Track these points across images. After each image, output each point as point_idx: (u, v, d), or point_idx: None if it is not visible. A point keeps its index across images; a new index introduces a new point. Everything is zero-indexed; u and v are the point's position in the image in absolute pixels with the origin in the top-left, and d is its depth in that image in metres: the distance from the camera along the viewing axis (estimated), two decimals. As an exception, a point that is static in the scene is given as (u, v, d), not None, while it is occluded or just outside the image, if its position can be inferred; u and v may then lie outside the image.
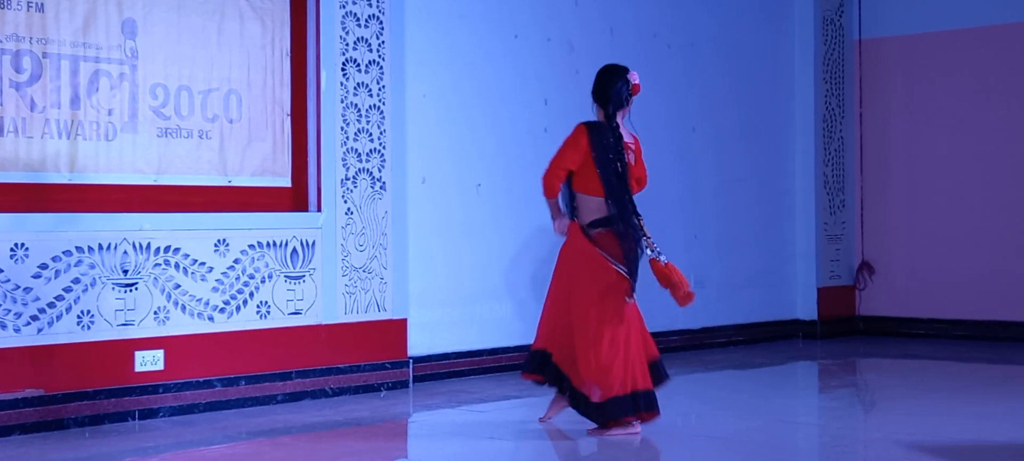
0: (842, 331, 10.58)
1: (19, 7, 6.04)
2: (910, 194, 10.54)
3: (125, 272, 6.33)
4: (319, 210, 7.15)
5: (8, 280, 5.94)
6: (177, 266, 6.52)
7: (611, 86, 6.03)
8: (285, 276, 6.96)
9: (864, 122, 10.79)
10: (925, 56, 10.45)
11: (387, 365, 7.44)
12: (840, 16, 10.66)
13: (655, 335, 9.24)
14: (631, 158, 6.03)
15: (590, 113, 6.06)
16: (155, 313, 6.44)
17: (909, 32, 10.53)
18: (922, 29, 10.46)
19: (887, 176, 10.68)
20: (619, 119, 6.04)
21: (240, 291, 6.78)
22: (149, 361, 6.42)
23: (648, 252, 5.93)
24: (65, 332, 6.13)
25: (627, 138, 6.05)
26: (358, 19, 7.33)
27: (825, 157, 10.53)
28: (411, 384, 7.54)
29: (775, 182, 10.37)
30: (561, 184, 6.02)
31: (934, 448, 5.42)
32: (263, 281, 6.88)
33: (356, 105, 7.32)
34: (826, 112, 10.55)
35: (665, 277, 5.91)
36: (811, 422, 6.73)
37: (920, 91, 10.49)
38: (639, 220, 5.96)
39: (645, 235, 5.92)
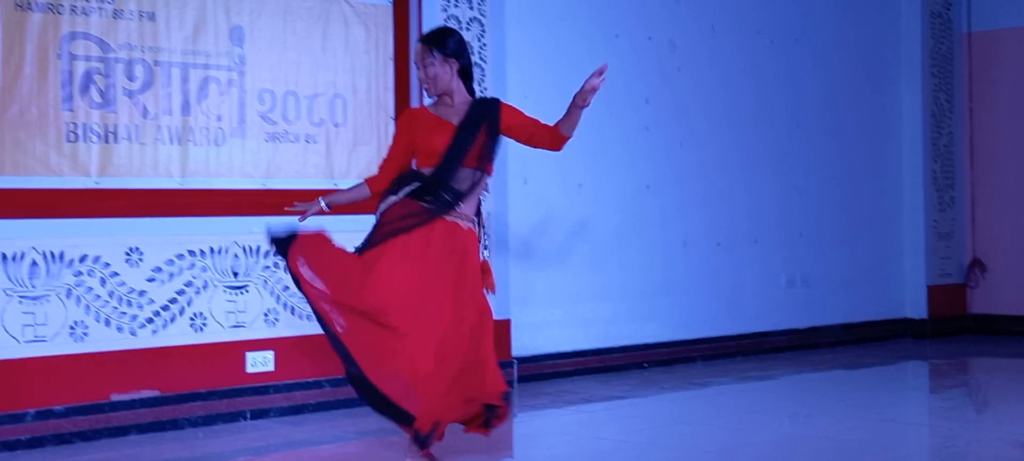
0: (953, 330, 10.36)
1: (131, 17, 6.19)
2: (1023, 189, 10.28)
3: (235, 275, 6.45)
4: (423, 212, 7.19)
5: (124, 284, 6.09)
6: (286, 269, 6.61)
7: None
8: (391, 278, 7.02)
9: (974, 117, 10.54)
10: (1037, 48, 10.21)
11: (492, 365, 7.46)
12: (948, 9, 10.44)
13: (761, 335, 9.32)
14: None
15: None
16: (265, 315, 6.55)
17: (1021, 24, 10.27)
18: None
19: (998, 171, 10.43)
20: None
21: (347, 293, 6.85)
22: (260, 362, 6.53)
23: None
24: (179, 334, 6.26)
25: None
26: (460, 22, 7.37)
27: (934, 153, 10.32)
28: (516, 384, 7.56)
29: (882, 179, 10.20)
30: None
31: (1053, 449, 5.29)
32: (369, 283, 6.94)
33: (459, 107, 7.35)
34: (934, 107, 10.33)
35: None
36: (922, 422, 6.60)
37: (1032, 84, 10.24)
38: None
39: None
